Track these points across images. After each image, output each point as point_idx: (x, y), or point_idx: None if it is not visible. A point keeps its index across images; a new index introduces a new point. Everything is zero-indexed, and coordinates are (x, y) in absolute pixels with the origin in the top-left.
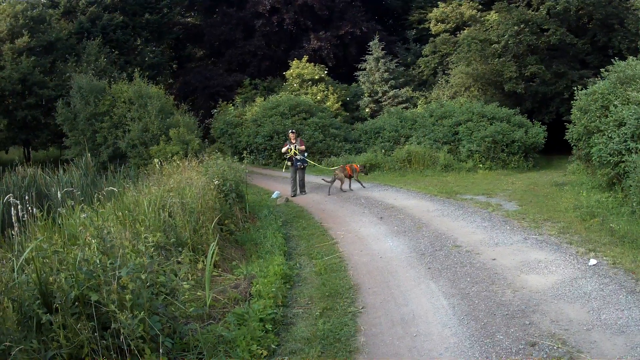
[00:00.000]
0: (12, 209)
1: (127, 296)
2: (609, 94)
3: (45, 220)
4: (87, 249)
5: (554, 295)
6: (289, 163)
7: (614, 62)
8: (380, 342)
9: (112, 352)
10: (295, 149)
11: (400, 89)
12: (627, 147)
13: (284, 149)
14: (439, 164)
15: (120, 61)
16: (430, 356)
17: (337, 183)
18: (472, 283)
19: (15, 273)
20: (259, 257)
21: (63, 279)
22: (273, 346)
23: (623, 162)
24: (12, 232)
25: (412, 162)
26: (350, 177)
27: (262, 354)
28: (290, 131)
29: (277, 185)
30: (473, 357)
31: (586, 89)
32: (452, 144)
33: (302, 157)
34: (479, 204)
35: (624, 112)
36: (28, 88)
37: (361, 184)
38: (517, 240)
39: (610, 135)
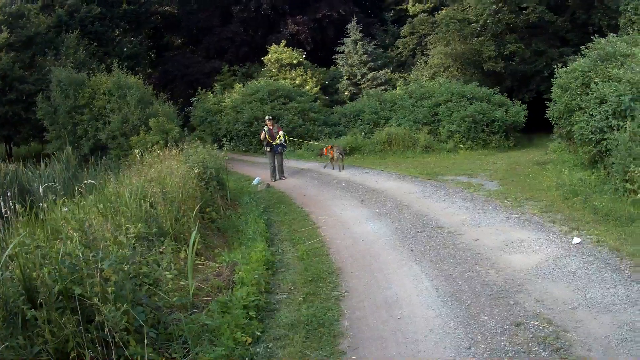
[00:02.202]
0: None
1: (110, 288)
2: (590, 72)
3: (27, 215)
4: (69, 242)
5: (538, 275)
6: (268, 149)
7: (594, 40)
8: (365, 326)
9: (97, 345)
10: (280, 136)
11: (379, 71)
12: (609, 124)
13: (262, 136)
14: (420, 145)
15: (99, 53)
16: (414, 338)
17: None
18: (455, 264)
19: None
20: (241, 244)
21: (46, 274)
22: (257, 333)
23: (605, 139)
24: None
25: (393, 144)
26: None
27: (246, 341)
28: (267, 118)
29: (257, 172)
30: (458, 339)
31: (566, 66)
32: (432, 124)
33: (281, 142)
34: (460, 185)
35: (604, 89)
36: (8, 84)
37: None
38: (499, 220)
39: (591, 113)
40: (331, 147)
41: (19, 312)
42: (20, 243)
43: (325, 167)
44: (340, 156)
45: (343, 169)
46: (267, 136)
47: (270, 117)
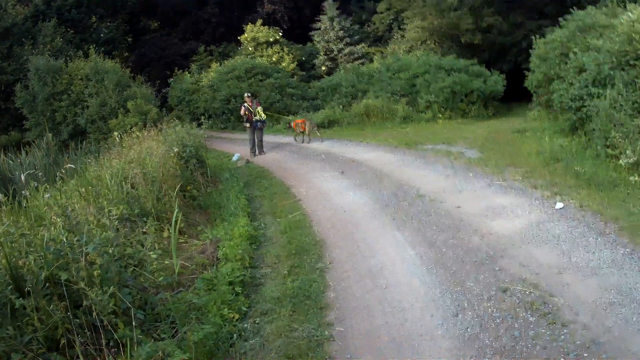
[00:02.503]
0: None
1: (95, 272)
2: (569, 42)
3: (11, 204)
4: (53, 228)
5: (522, 240)
6: (248, 124)
7: (573, 12)
8: (350, 296)
9: (86, 330)
10: (259, 112)
11: (355, 46)
12: (589, 92)
13: (242, 112)
14: (398, 116)
15: (76, 40)
16: (401, 307)
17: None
18: (438, 231)
19: None
20: (223, 220)
21: (32, 261)
22: (244, 308)
23: (585, 107)
24: None
25: (371, 116)
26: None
27: (233, 317)
28: (246, 95)
29: (236, 148)
30: (445, 306)
31: (544, 37)
32: (410, 96)
33: (261, 119)
34: (440, 153)
35: (584, 59)
36: None
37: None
38: (480, 187)
39: (570, 82)
40: (302, 122)
41: (7, 302)
42: (5, 232)
43: (295, 139)
44: (314, 128)
45: (322, 140)
46: (246, 112)
47: (249, 94)
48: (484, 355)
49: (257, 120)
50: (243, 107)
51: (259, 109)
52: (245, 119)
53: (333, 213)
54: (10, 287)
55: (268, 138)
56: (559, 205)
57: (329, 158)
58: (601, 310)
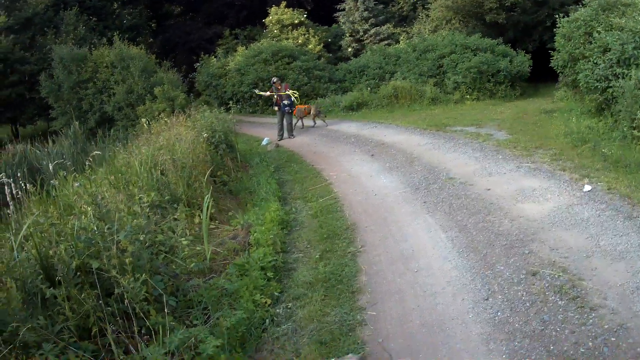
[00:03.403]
0: (6, 188)
1: (127, 259)
2: (592, 21)
3: (39, 194)
4: (83, 217)
5: (551, 223)
6: (276, 108)
7: None
8: (382, 280)
9: (117, 318)
10: (293, 94)
11: (381, 27)
12: (614, 72)
13: (266, 94)
14: (426, 97)
15: (99, 27)
16: (432, 291)
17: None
18: (469, 215)
19: (15, 251)
20: (254, 205)
21: (63, 251)
22: (276, 293)
23: (610, 87)
24: (8, 210)
25: (399, 98)
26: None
27: (266, 302)
28: (274, 79)
29: (266, 132)
30: (475, 290)
31: (568, 16)
32: (437, 77)
33: (289, 102)
34: (469, 135)
35: (607, 38)
36: (10, 66)
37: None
38: (510, 169)
39: (595, 62)
40: (307, 107)
41: (38, 292)
42: (34, 222)
43: (296, 124)
44: (319, 114)
45: (326, 124)
46: (275, 97)
47: (276, 78)
48: (514, 339)
49: (284, 105)
50: (272, 91)
51: (290, 91)
52: (274, 102)
53: (364, 197)
54: (40, 277)
55: (318, 122)
56: (587, 188)
57: (358, 141)
58: (629, 295)
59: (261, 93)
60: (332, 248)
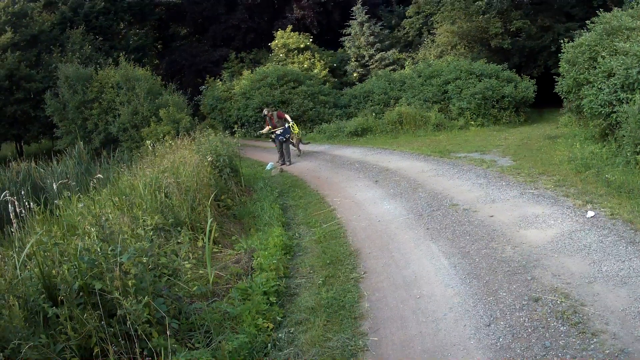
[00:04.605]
0: (9, 205)
1: (130, 281)
2: (596, 46)
3: (43, 213)
4: (86, 238)
5: (554, 249)
6: (272, 137)
7: (599, 14)
8: (385, 306)
9: (120, 339)
10: (291, 125)
11: (386, 52)
12: (618, 97)
13: (265, 130)
14: (431, 123)
15: (105, 47)
16: (434, 317)
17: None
18: (472, 241)
19: (18, 269)
20: (257, 230)
21: (66, 271)
22: (278, 318)
23: (615, 112)
24: (11, 228)
25: (404, 124)
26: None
27: (268, 326)
28: (264, 111)
29: (270, 157)
30: (477, 316)
31: (573, 41)
32: (442, 102)
33: (282, 130)
34: (473, 161)
35: (612, 62)
36: (15, 83)
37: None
38: (513, 196)
39: (599, 87)
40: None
41: (40, 311)
42: (38, 241)
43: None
44: (299, 141)
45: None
46: (270, 128)
47: (267, 109)
48: None
49: (277, 135)
50: (267, 125)
51: (286, 117)
52: (270, 134)
53: (368, 223)
54: (43, 296)
55: (306, 147)
56: (590, 214)
57: (362, 167)
58: (630, 320)
59: (262, 132)
60: (335, 274)
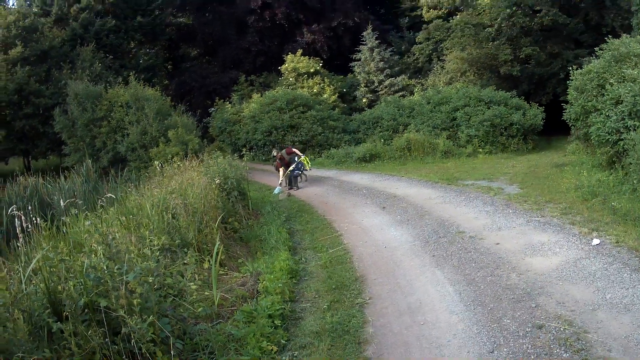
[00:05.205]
0: (16, 220)
1: (135, 300)
2: (604, 73)
3: (49, 229)
4: (93, 255)
5: (559, 277)
6: (281, 172)
7: (608, 41)
8: (389, 332)
9: (124, 357)
10: (305, 160)
11: (396, 78)
12: (625, 125)
13: (281, 173)
14: (439, 150)
15: (115, 65)
16: (438, 344)
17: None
18: (477, 268)
19: (24, 284)
20: (264, 254)
21: (72, 287)
22: (283, 341)
23: (622, 140)
24: (18, 243)
25: (412, 150)
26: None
27: (272, 350)
28: (273, 152)
29: (277, 181)
30: (481, 343)
31: (581, 68)
32: (450, 129)
33: (293, 166)
34: (480, 189)
35: (620, 90)
36: (24, 98)
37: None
38: (520, 224)
39: (607, 114)
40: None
41: (45, 325)
42: (44, 257)
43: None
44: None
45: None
46: (282, 167)
47: (275, 151)
48: None
49: (293, 170)
50: (280, 166)
51: (302, 158)
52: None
53: (374, 249)
54: (48, 311)
55: (309, 172)
56: (596, 241)
57: (370, 193)
58: (633, 346)
59: (281, 177)
60: (340, 299)
